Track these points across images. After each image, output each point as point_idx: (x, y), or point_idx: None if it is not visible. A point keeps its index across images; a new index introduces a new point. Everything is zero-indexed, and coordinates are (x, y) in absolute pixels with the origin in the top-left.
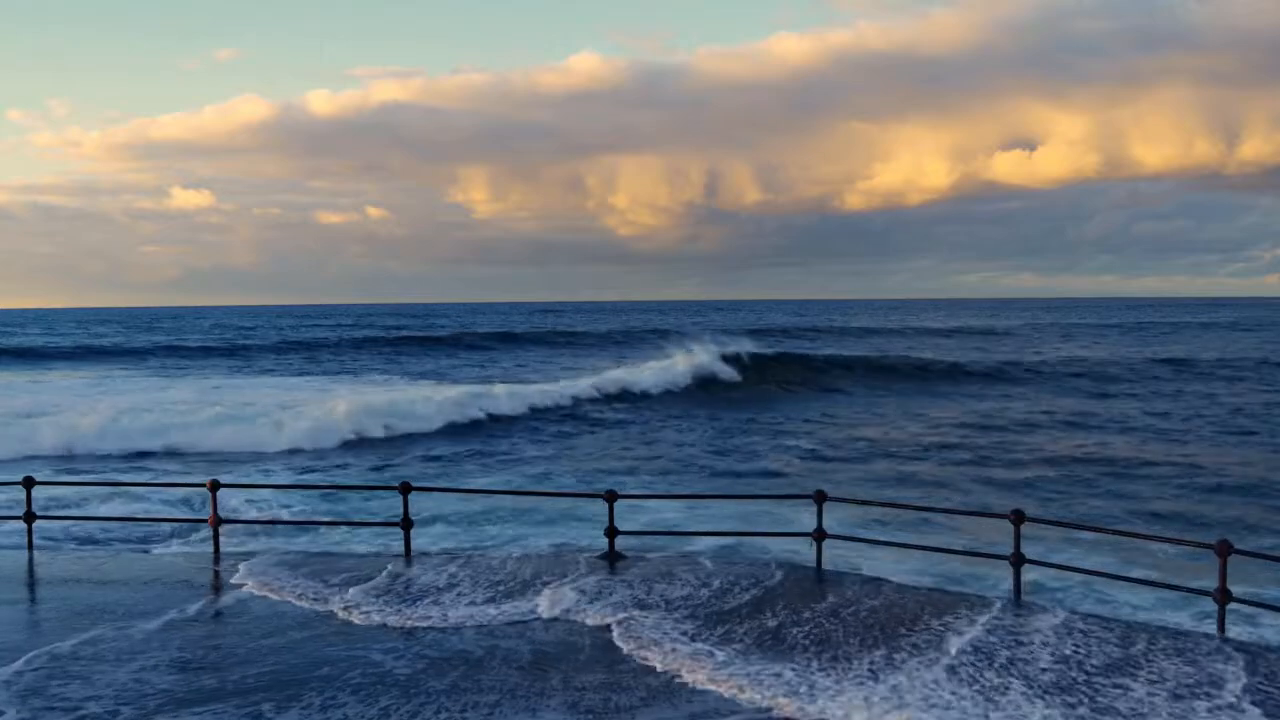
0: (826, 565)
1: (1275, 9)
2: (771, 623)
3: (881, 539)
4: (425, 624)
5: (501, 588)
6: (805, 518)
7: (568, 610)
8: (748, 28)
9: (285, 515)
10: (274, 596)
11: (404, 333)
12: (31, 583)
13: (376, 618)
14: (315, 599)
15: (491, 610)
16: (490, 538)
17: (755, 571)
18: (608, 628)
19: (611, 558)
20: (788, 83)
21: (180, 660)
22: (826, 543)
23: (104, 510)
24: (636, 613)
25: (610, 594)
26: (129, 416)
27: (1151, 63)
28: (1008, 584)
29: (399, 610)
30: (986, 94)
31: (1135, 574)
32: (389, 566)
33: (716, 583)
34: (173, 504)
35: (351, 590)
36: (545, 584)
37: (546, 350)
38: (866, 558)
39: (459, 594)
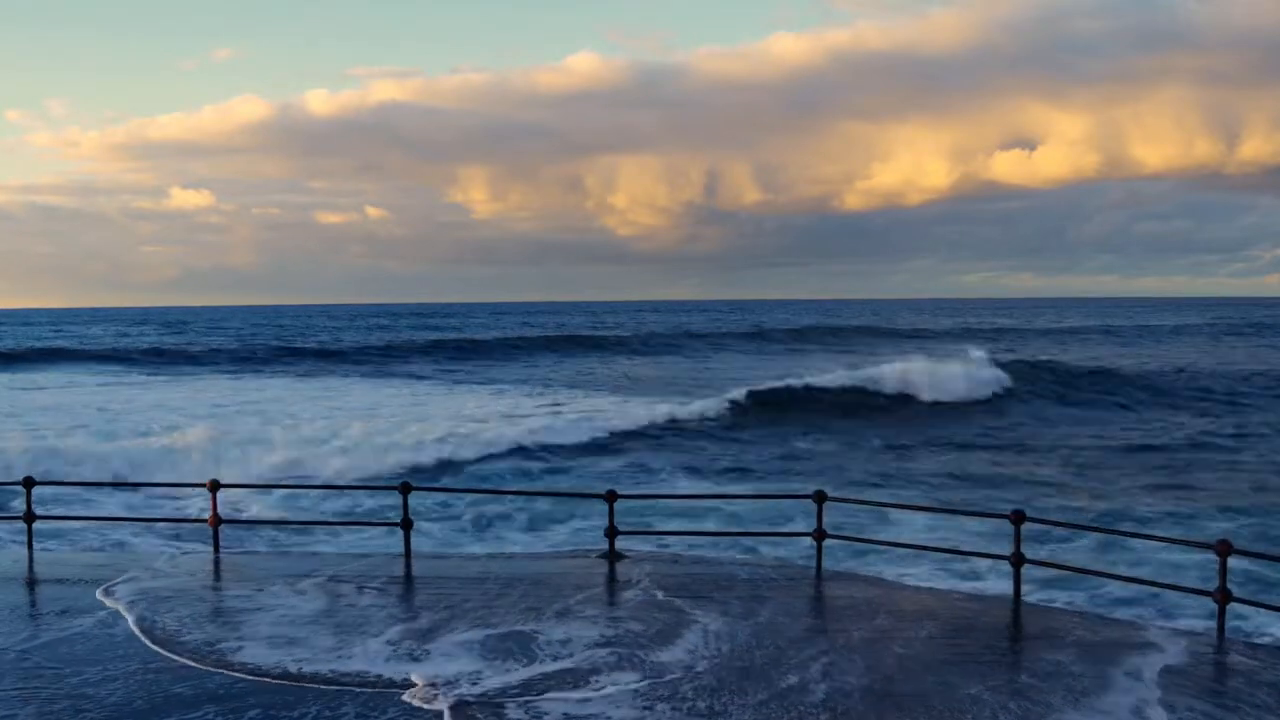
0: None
1: (1275, 8)
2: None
3: (884, 539)
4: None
5: (440, 619)
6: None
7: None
8: (746, 28)
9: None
10: (127, 616)
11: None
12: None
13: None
14: (174, 628)
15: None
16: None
17: (760, 574)
18: None
19: (611, 557)
20: (787, 83)
21: None
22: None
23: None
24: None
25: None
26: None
27: (1151, 62)
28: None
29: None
30: (986, 94)
31: (1134, 573)
32: (333, 575)
33: (726, 596)
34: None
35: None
36: (500, 610)
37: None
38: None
39: (390, 624)
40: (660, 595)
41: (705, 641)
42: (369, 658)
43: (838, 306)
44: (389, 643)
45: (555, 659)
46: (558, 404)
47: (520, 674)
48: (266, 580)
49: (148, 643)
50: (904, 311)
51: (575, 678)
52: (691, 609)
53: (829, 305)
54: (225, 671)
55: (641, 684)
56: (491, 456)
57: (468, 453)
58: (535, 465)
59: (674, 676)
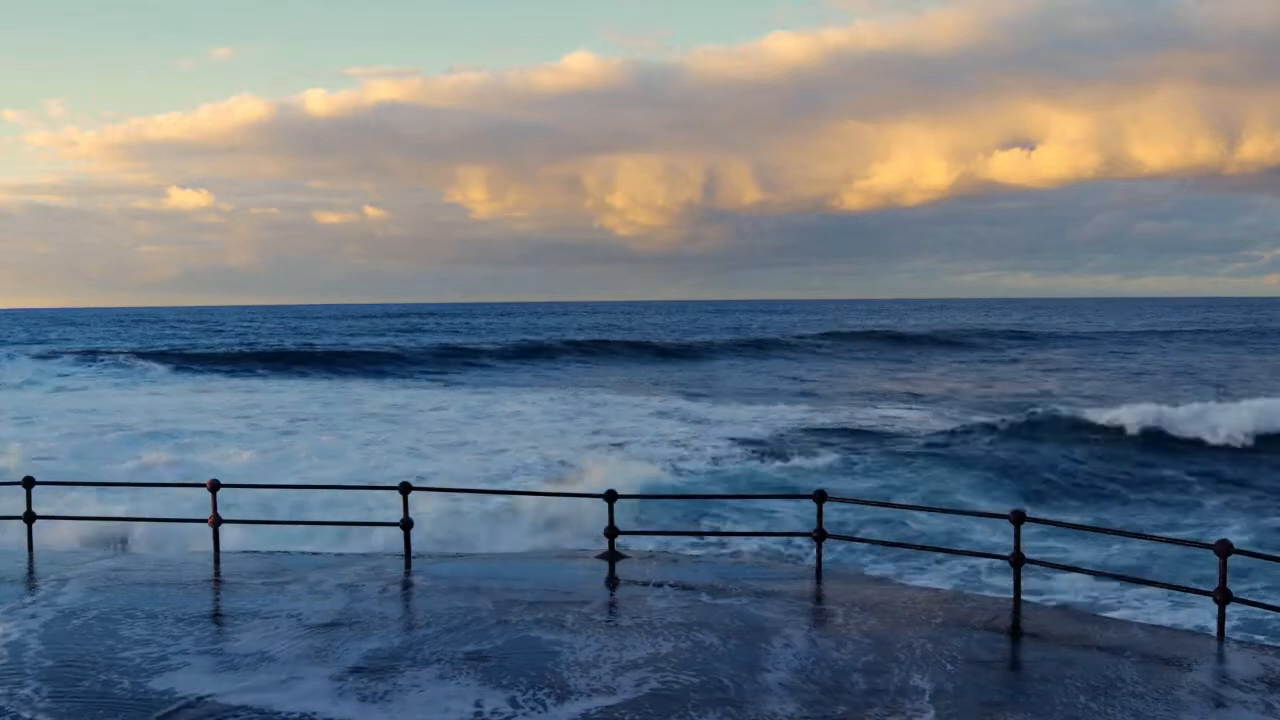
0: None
1: (1273, 7)
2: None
3: (884, 539)
4: None
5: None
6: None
7: None
8: (744, 27)
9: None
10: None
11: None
12: None
13: None
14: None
15: None
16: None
17: (765, 575)
18: None
19: (612, 557)
20: (785, 82)
21: None
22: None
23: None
24: None
25: None
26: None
27: (1150, 62)
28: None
29: None
30: (985, 93)
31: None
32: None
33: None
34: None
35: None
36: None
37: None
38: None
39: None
40: (674, 601)
41: (749, 658)
42: (317, 693)
43: (845, 307)
44: (353, 669)
45: (593, 691)
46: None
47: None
48: (250, 583)
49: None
50: (985, 312)
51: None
52: (713, 616)
53: (829, 305)
54: None
55: None
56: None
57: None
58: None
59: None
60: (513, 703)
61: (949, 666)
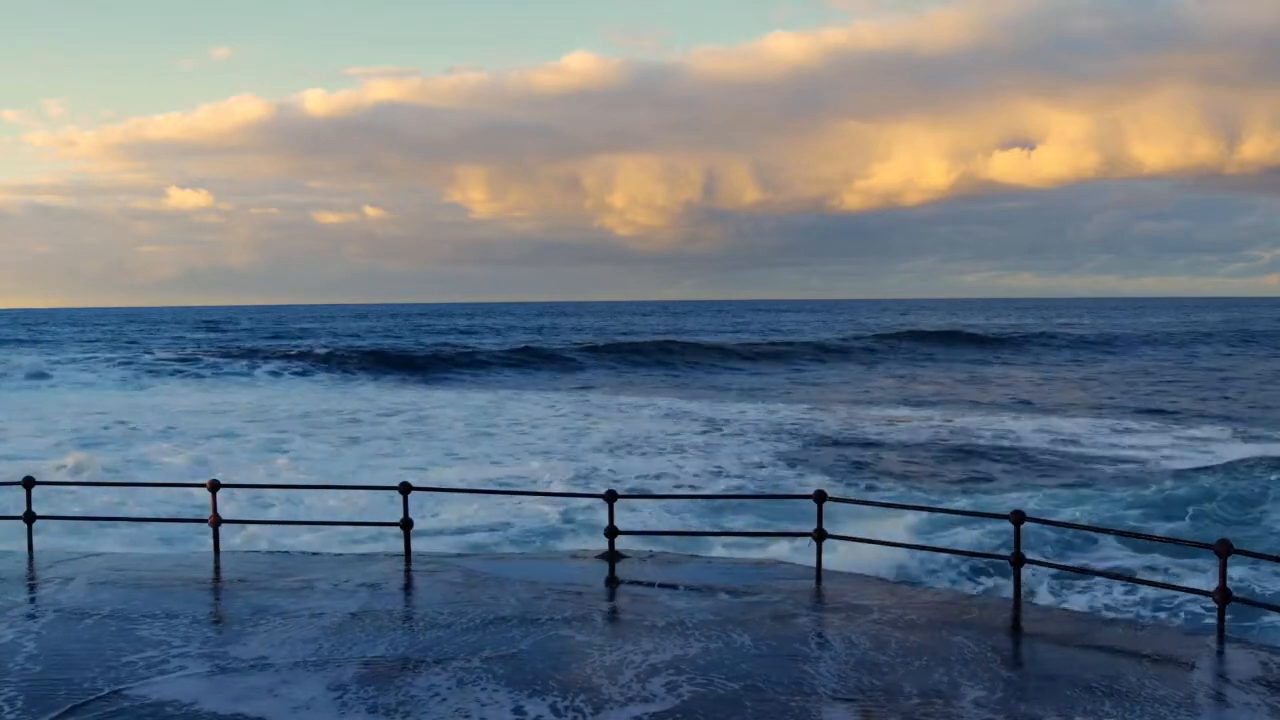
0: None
1: (1273, 7)
2: None
3: (885, 539)
4: None
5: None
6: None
7: None
8: (743, 27)
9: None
10: None
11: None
12: None
13: None
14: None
15: None
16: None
17: (766, 574)
18: None
19: (611, 558)
20: (785, 82)
21: None
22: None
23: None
24: None
25: None
26: None
27: (1150, 62)
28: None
29: None
30: (984, 93)
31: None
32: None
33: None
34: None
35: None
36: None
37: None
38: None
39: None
40: (691, 601)
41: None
42: (315, 702)
43: (849, 306)
44: (365, 663)
45: (630, 697)
46: None
47: None
48: (251, 584)
49: None
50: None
51: None
52: (736, 615)
53: (834, 305)
54: None
55: None
56: None
57: None
58: None
59: None
60: (554, 710)
61: (1000, 671)
